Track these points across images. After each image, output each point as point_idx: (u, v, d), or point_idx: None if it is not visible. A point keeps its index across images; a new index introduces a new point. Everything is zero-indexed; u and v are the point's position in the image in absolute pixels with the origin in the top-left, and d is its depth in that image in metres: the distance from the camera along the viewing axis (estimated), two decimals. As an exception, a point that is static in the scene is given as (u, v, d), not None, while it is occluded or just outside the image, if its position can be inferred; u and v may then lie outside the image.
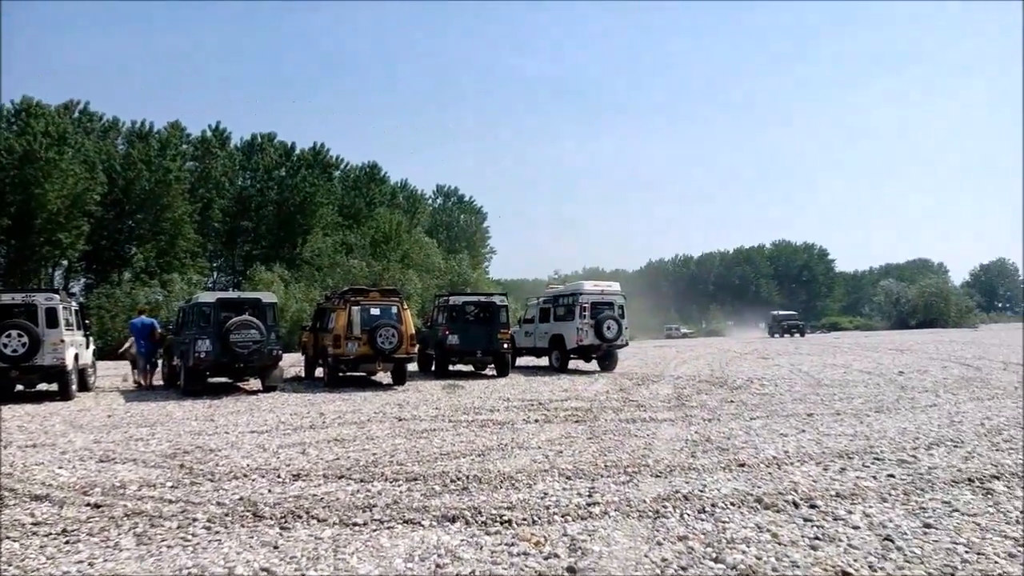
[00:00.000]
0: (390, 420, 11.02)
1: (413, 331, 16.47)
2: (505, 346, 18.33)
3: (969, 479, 6.75)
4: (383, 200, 55.92)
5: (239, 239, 54.23)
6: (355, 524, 5.53)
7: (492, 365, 19.04)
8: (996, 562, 4.58)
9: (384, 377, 17.36)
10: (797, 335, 59.15)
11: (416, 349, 16.82)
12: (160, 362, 17.59)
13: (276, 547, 5.03)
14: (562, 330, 20.20)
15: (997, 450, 8.18)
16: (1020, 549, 4.81)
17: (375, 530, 5.38)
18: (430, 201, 68.89)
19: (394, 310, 16.21)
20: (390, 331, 15.57)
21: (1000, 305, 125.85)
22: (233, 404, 13.42)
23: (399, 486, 6.72)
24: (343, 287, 20.83)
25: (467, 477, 6.96)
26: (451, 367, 19.23)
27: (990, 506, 5.86)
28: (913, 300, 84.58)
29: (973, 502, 5.99)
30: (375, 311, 16.06)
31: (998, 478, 6.79)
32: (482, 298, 19.87)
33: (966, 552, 4.76)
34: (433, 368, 19.07)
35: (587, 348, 19.85)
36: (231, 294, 22.53)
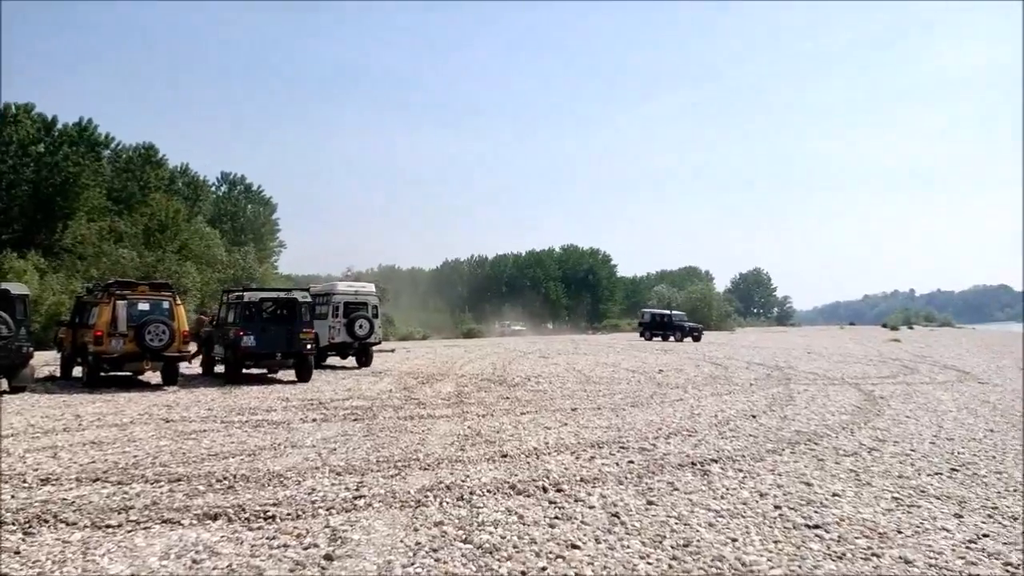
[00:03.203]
0: (156, 422, 10.50)
1: (187, 328, 15.61)
2: (308, 347, 16.95)
3: (693, 463, 7.78)
4: (160, 185, 51.45)
5: (-14, 223, 47.98)
6: (108, 526, 5.37)
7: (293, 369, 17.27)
8: (696, 530, 5.41)
9: (153, 377, 16.34)
10: (690, 340, 44.49)
11: (191, 348, 15.75)
12: None
13: (18, 552, 4.79)
14: (319, 328, 20.05)
15: (722, 438, 9.43)
16: (720, 519, 5.70)
17: (130, 531, 5.27)
18: (214, 189, 64.65)
19: (166, 305, 15.26)
20: (160, 327, 14.67)
21: (755, 311, 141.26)
22: (-29, 407, 12.07)
23: (160, 487, 6.54)
24: (109, 279, 18.89)
25: (234, 476, 6.92)
26: (245, 371, 17.43)
27: (704, 484, 6.84)
28: (681, 304, 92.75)
29: (692, 482, 6.95)
30: (144, 306, 15.02)
31: (716, 461, 7.89)
32: (282, 294, 18.30)
33: (675, 523, 5.58)
34: (223, 372, 17.18)
35: (340, 346, 20.77)
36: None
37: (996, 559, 4.89)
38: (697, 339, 44.99)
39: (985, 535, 5.41)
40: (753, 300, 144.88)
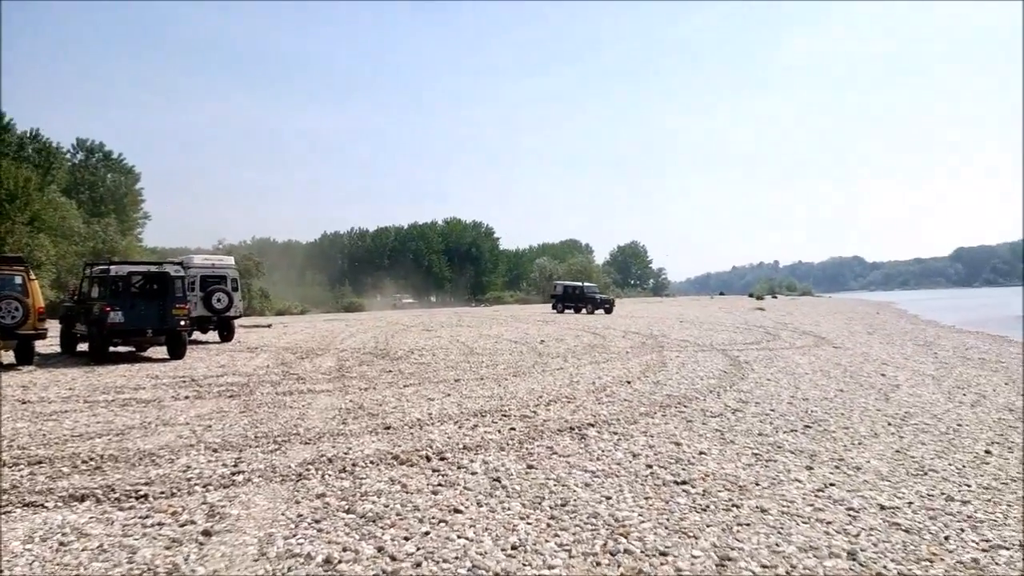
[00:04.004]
0: (11, 403, 9.83)
1: (42, 304, 14.56)
2: (183, 323, 16.24)
3: (571, 428, 8.07)
4: (6, 152, 47.45)
5: None
6: (-41, 515, 5.03)
7: (165, 346, 16.57)
8: (573, 490, 5.65)
9: (6, 357, 15.20)
10: (602, 312, 43.69)
11: (45, 325, 14.67)
12: None
13: None
14: None
15: (599, 403, 9.80)
16: (595, 480, 5.97)
17: (-15, 518, 4.96)
18: (69, 157, 60.05)
19: (18, 280, 14.15)
20: (12, 304, 13.62)
21: (632, 282, 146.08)
22: None
23: (19, 470, 6.18)
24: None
25: (101, 457, 6.61)
26: (112, 349, 16.30)
27: (581, 448, 7.12)
28: (562, 276, 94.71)
29: (569, 445, 7.22)
30: (-7, 281, 13.93)
31: (593, 426, 8.22)
32: (152, 268, 17.19)
33: (554, 485, 5.80)
34: (88, 350, 16.13)
35: (199, 320, 20.33)
36: None
37: (840, 504, 5.38)
38: (609, 311, 44.09)
39: (832, 484, 5.92)
40: (630, 272, 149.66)
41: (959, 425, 8.56)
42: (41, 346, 17.16)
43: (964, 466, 6.59)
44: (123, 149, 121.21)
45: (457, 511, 5.13)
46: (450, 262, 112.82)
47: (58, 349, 17.73)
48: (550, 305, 49.61)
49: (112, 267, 16.27)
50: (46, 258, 36.41)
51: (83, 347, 16.81)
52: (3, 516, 5.00)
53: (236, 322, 22.22)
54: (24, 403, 9.85)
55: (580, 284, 49.49)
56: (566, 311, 45.68)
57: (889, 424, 8.55)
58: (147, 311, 15.89)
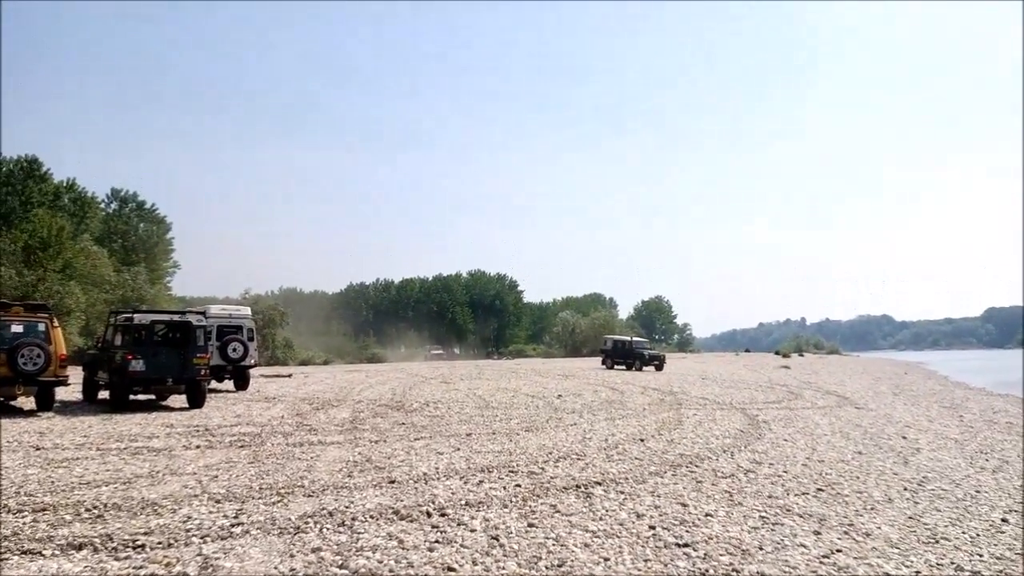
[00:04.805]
0: (25, 449, 9.95)
1: (64, 351, 14.81)
2: (203, 372, 16.40)
3: (578, 486, 7.98)
4: (43, 200, 48.76)
5: None
6: (-43, 561, 5.07)
7: (185, 395, 16.57)
8: (572, 550, 5.56)
9: (27, 403, 15.42)
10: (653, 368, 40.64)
11: (67, 372, 14.92)
12: None
13: None
14: None
15: (609, 461, 9.69)
16: (596, 540, 5.88)
17: (-18, 565, 4.99)
18: (103, 206, 61.57)
19: (41, 327, 14.45)
20: (35, 351, 13.89)
21: (656, 336, 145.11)
22: None
23: (23, 517, 6.22)
24: (-17, 300, 17.72)
25: (104, 505, 6.65)
26: (133, 397, 16.24)
27: (585, 506, 7.02)
28: (585, 331, 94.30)
29: (574, 504, 7.12)
30: (17, 328, 14.20)
31: (600, 484, 8.11)
32: (175, 317, 17.43)
33: (552, 544, 5.71)
34: (108, 397, 16.18)
35: (214, 369, 20.17)
36: None
37: (844, 572, 5.24)
38: (659, 368, 40.58)
39: (838, 550, 5.77)
40: (655, 327, 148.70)
41: (977, 491, 8.33)
42: (64, 393, 17.40)
43: (978, 535, 6.39)
44: (155, 198, 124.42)
45: (451, 569, 5.07)
46: (474, 314, 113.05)
47: (80, 396, 17.93)
48: (599, 360, 46.44)
49: (136, 315, 16.52)
50: (75, 306, 37.04)
51: (105, 395, 16.97)
52: (1, 563, 5.04)
53: (255, 371, 22.44)
54: (38, 449, 9.96)
55: (628, 339, 46.34)
56: (616, 367, 42.61)
57: (905, 489, 8.34)
58: (168, 360, 16.01)
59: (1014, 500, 7.93)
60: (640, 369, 40.99)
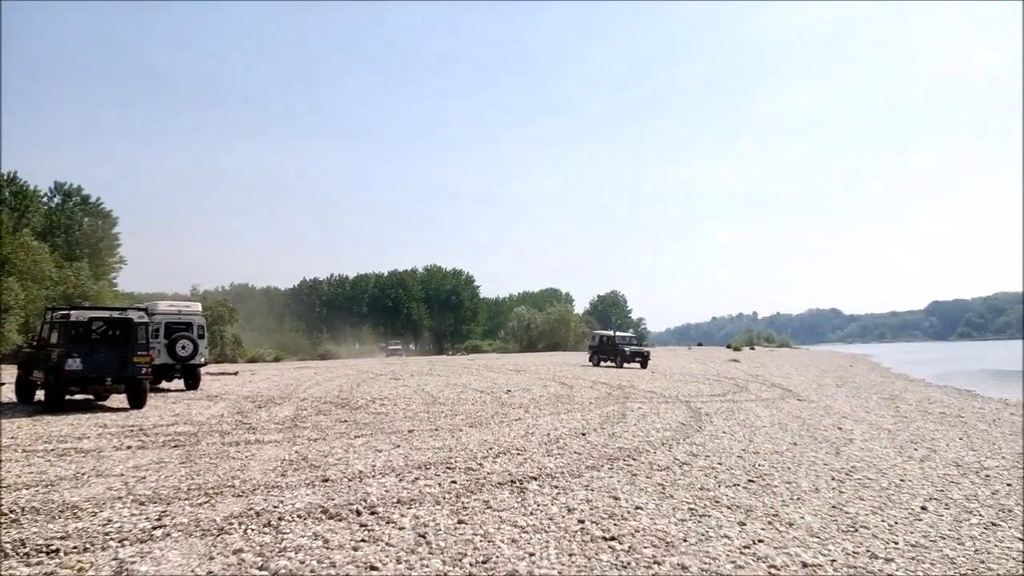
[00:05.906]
0: (-54, 452, 9.61)
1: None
2: (144, 371, 15.73)
3: (512, 481, 7.99)
4: (-21, 196, 47.34)
5: None
6: None
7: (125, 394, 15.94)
8: (499, 546, 5.57)
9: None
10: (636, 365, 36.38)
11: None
12: None
13: None
14: None
15: (548, 455, 9.73)
16: (524, 535, 5.89)
17: None
18: (46, 200, 59.75)
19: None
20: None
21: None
22: None
23: (-68, 525, 6.00)
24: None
25: (22, 509, 6.45)
26: (69, 397, 15.68)
27: (517, 502, 7.04)
28: (540, 326, 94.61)
29: (507, 500, 7.13)
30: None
31: (536, 479, 8.14)
32: (115, 314, 16.74)
33: (480, 541, 5.71)
34: (44, 398, 15.62)
35: (162, 368, 19.84)
36: None
37: (763, 562, 5.34)
38: (644, 365, 36.23)
39: (760, 540, 5.88)
40: (610, 321, 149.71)
41: (902, 480, 8.58)
42: (-5, 393, 16.85)
43: (896, 523, 6.58)
44: (101, 192, 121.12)
45: (373, 568, 5.03)
46: (429, 310, 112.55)
47: (13, 397, 17.35)
48: (586, 357, 41.93)
49: (73, 312, 15.93)
50: (15, 302, 35.94)
51: (41, 395, 16.40)
52: (-99, 572, 4.85)
53: (202, 370, 21.92)
54: (-40, 452, 9.62)
55: (611, 333, 41.85)
56: (603, 364, 38.10)
57: (833, 479, 8.55)
58: (107, 358, 15.42)
59: (935, 488, 8.18)
60: (621, 366, 36.45)
